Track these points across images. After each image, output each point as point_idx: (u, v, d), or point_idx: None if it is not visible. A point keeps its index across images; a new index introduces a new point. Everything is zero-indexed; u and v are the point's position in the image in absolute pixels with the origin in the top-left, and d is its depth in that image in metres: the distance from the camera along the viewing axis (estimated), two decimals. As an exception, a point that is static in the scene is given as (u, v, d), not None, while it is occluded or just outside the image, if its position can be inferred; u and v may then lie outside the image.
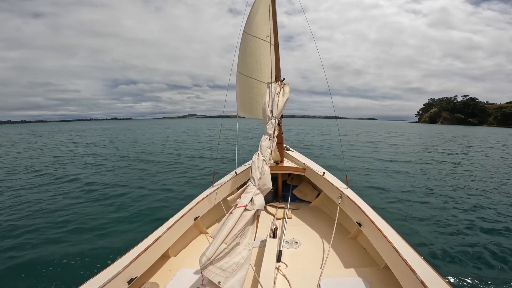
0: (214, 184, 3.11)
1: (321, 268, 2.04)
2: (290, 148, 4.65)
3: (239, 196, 1.88)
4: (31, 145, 19.05)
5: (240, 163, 3.84)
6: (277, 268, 1.98)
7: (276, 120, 2.83)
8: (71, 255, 3.36)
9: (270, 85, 3.05)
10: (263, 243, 2.39)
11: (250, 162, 4.06)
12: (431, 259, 3.37)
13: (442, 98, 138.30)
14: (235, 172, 3.43)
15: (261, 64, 3.63)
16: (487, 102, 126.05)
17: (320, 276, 1.87)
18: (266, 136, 2.53)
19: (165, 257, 2.20)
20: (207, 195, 2.80)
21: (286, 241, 2.56)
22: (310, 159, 4.20)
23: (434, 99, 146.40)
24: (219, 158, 10.96)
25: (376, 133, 34.87)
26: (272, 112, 2.86)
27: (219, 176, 3.52)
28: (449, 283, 1.41)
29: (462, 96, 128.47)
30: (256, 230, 1.86)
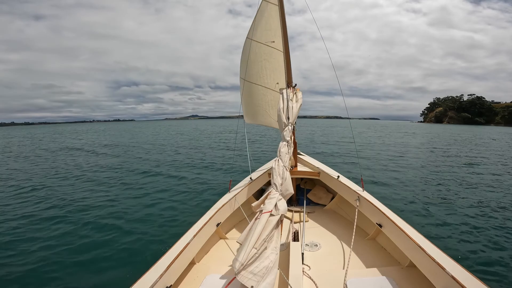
0: (230, 191, 3.13)
1: (344, 268, 2.09)
2: (302, 153, 4.61)
3: (262, 202, 1.97)
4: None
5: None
6: (302, 270, 2.00)
7: (292, 126, 2.90)
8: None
9: (283, 91, 3.08)
10: (283, 247, 2.47)
11: (264, 167, 3.95)
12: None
13: (448, 97, 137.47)
14: (250, 178, 3.41)
15: (267, 70, 3.56)
16: (492, 101, 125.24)
17: (345, 276, 1.91)
18: (284, 143, 2.60)
19: (191, 264, 2.20)
20: (227, 202, 2.83)
21: (306, 244, 2.60)
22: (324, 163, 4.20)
23: (439, 98, 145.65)
24: (231, 163, 10.40)
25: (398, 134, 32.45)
26: (288, 118, 2.90)
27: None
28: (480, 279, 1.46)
29: (468, 95, 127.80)
30: (281, 234, 1.94)
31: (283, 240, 2.60)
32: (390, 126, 71.07)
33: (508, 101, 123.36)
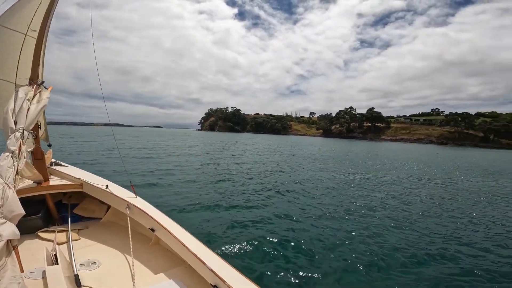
0: None
1: (132, 280, 2.00)
2: (62, 163, 4.11)
3: None
4: None
5: None
6: None
7: (26, 132, 2.25)
8: None
9: (19, 89, 2.49)
10: (43, 274, 2.14)
11: None
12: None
13: (218, 108, 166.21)
14: None
15: (15, 61, 3.10)
16: (244, 113, 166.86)
17: None
18: (7, 154, 2.06)
19: None
20: None
21: (81, 264, 2.36)
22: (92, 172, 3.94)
23: (212, 109, 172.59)
24: None
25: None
26: (16, 122, 2.26)
27: None
28: (236, 268, 1.64)
29: (231, 107, 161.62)
30: (19, 261, 1.84)
31: (42, 266, 2.21)
32: (175, 134, 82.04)
33: (253, 113, 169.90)
